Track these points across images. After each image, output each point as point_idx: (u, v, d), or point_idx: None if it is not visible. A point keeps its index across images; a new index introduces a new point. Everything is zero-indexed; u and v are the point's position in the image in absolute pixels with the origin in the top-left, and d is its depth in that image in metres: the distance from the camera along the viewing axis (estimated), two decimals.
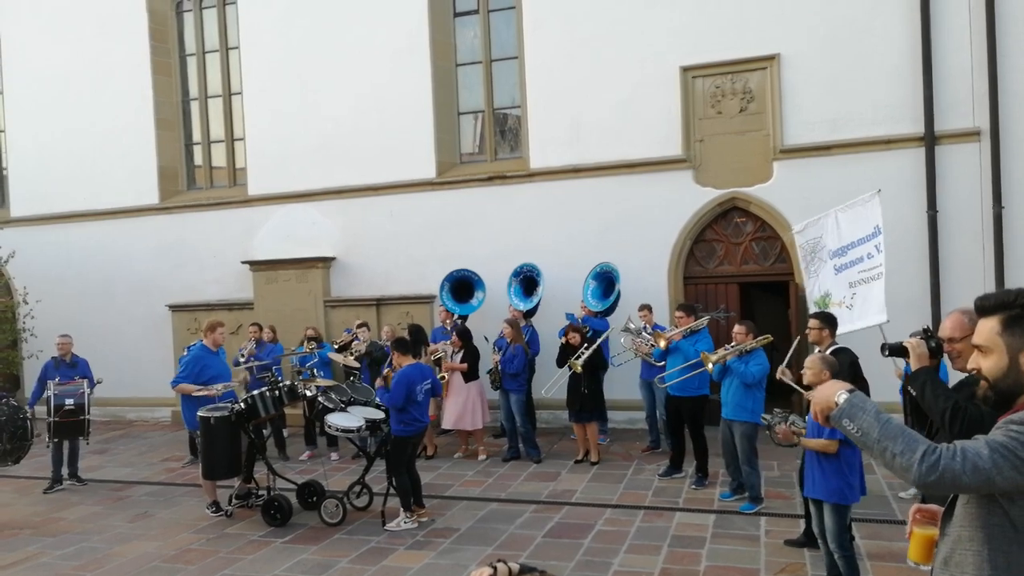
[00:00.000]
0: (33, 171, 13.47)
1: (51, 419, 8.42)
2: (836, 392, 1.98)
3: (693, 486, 7.50)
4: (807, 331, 6.02)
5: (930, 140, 9.06)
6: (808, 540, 5.68)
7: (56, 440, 8.57)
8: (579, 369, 8.32)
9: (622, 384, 9.76)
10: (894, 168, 9.18)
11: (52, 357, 9.15)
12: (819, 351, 5.74)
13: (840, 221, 7.12)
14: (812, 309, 7.56)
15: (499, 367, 8.86)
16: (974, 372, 2.03)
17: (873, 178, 9.00)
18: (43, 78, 13.28)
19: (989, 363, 1.96)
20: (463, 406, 9.07)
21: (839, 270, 7.27)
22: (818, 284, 7.78)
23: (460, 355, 9.18)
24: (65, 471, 8.84)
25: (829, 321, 5.98)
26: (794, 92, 9.61)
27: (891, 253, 7.09)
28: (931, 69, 9.03)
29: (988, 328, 1.97)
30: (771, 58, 9.65)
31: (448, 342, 9.43)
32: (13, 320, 13.20)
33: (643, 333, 8.74)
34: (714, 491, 7.34)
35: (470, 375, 9.14)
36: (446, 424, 9.23)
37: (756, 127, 9.83)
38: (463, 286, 10.58)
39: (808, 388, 4.74)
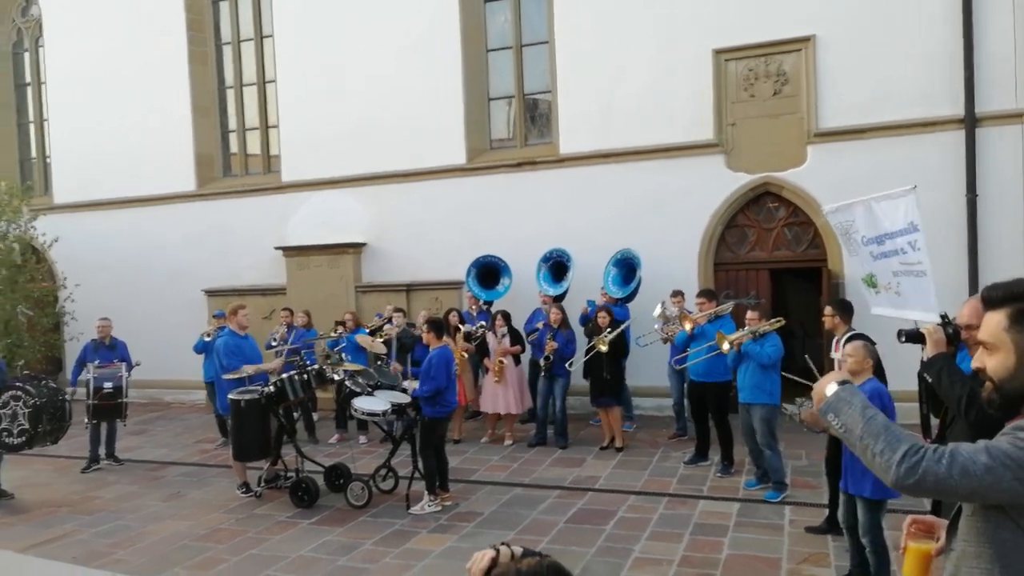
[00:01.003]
0: (75, 159, 13.81)
1: (90, 402, 8.65)
2: (828, 384, 1.86)
3: (718, 474, 7.44)
4: (822, 318, 5.97)
5: (970, 123, 8.78)
6: (831, 527, 5.61)
7: (94, 422, 8.81)
8: (605, 347, 8.27)
9: (649, 371, 9.70)
10: (932, 151, 8.93)
11: (92, 339, 9.39)
12: (836, 339, 5.68)
13: (874, 210, 6.93)
14: (862, 287, 7.40)
15: (552, 355, 8.78)
16: (979, 371, 1.82)
17: (910, 162, 8.82)
18: (84, 69, 13.58)
19: (995, 362, 1.74)
20: (514, 390, 9.11)
21: (876, 257, 7.09)
22: (860, 263, 7.57)
23: (508, 338, 9.19)
24: (103, 451, 9.10)
25: (843, 308, 5.95)
26: (829, 74, 9.38)
27: (929, 238, 6.86)
28: (972, 49, 8.74)
29: (995, 323, 1.75)
30: (806, 40, 9.44)
31: (480, 323, 9.47)
32: (54, 304, 13.59)
33: (676, 319, 8.65)
34: (739, 479, 7.27)
35: (516, 359, 9.19)
36: (496, 408, 9.21)
37: (790, 110, 9.63)
38: (489, 272, 10.60)
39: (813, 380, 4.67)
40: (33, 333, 13.20)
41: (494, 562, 1.62)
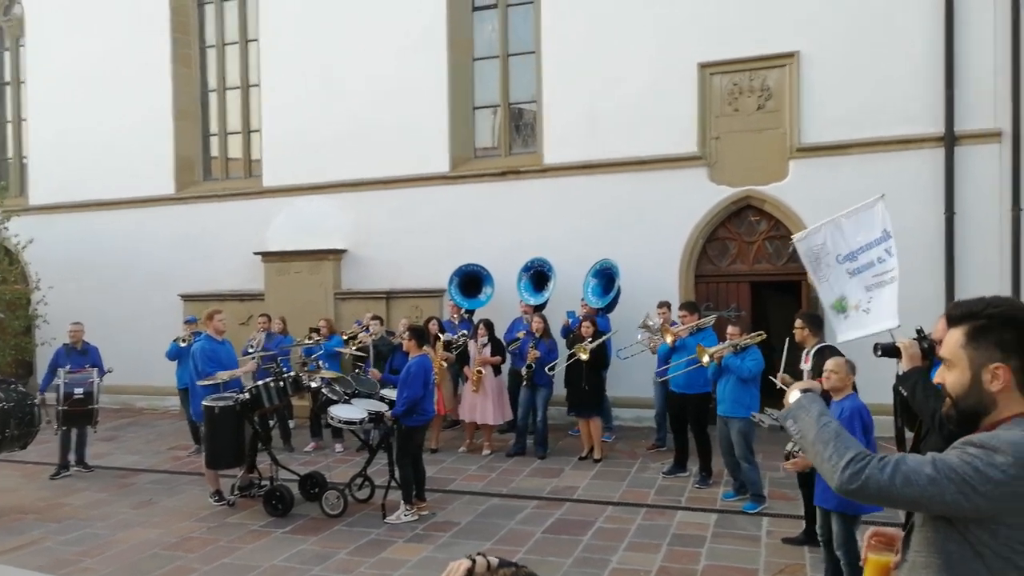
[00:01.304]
0: (53, 160, 13.61)
1: (60, 407, 8.48)
2: (792, 392, 1.93)
3: (696, 485, 7.42)
4: (792, 331, 6.06)
5: (950, 141, 8.89)
6: (808, 539, 5.61)
7: (64, 428, 8.63)
8: (585, 355, 8.23)
9: (629, 382, 9.70)
10: (912, 168, 9.03)
11: (64, 344, 9.22)
12: (805, 351, 5.76)
13: (844, 227, 6.98)
14: (829, 314, 7.46)
15: (534, 364, 8.73)
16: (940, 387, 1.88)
17: (891, 178, 8.88)
18: (65, 68, 13.41)
19: (952, 378, 1.80)
20: (493, 400, 9.04)
21: (853, 274, 7.13)
22: (831, 288, 7.62)
23: (489, 348, 9.13)
24: (72, 457, 8.91)
25: (812, 321, 6.09)
26: (812, 90, 9.47)
27: (906, 255, 6.94)
28: (953, 69, 8.86)
29: (953, 340, 1.80)
30: (790, 56, 9.52)
31: (461, 332, 9.41)
32: (27, 306, 13.34)
33: (659, 330, 8.64)
34: (717, 490, 7.25)
35: (496, 369, 9.13)
36: (474, 418, 9.13)
37: (773, 125, 9.71)
38: (472, 280, 10.55)
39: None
40: (4, 336, 12.94)
41: (470, 572, 1.57)
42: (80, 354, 9.05)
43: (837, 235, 7.15)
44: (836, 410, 4.83)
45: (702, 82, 9.91)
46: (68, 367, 8.76)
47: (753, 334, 6.96)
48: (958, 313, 1.81)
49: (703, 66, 9.87)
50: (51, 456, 8.95)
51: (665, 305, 8.87)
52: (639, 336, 8.58)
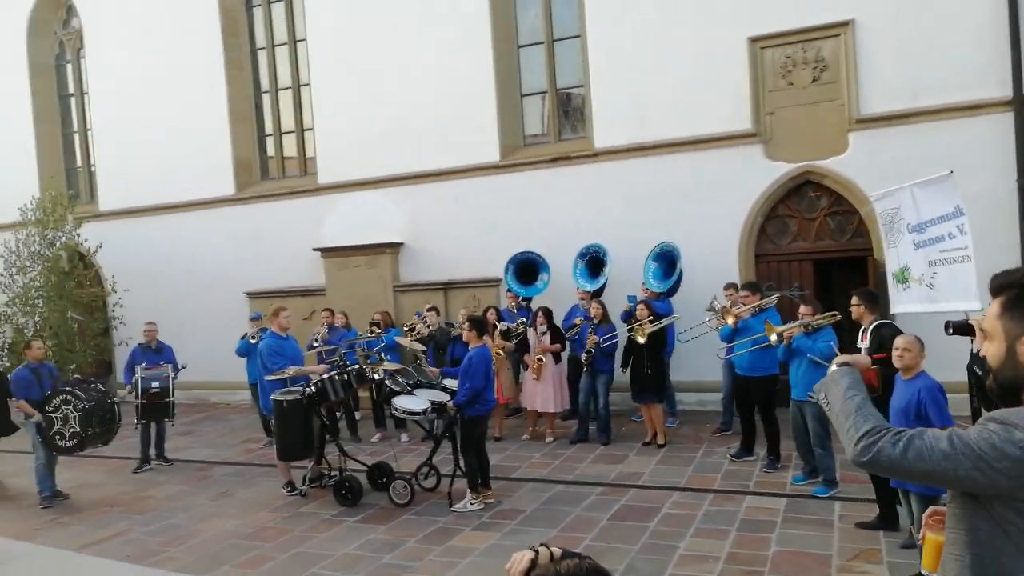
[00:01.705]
0: (118, 167, 14.12)
1: (138, 402, 8.86)
2: (831, 366, 1.96)
3: (765, 469, 7.32)
4: (849, 308, 5.94)
5: (1019, 104, 8.49)
6: (882, 523, 5.49)
7: (144, 422, 9.03)
8: (643, 337, 8.18)
9: (692, 366, 9.61)
10: (979, 135, 8.67)
11: (139, 344, 9.62)
12: (862, 328, 5.64)
13: (916, 196, 6.76)
14: (890, 281, 7.29)
15: (594, 350, 8.70)
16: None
17: (956, 146, 8.59)
18: (125, 78, 13.87)
19: (991, 351, 1.75)
20: (554, 388, 9.08)
21: (918, 246, 6.92)
22: (897, 256, 7.41)
23: (548, 336, 9.17)
24: (153, 452, 9.31)
25: (868, 298, 5.94)
26: (870, 59, 9.16)
27: (977, 225, 6.66)
28: (1019, 29, 8.45)
29: (991, 311, 1.76)
30: (844, 24, 9.22)
31: (520, 320, 9.47)
32: (103, 309, 13.93)
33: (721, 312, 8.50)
34: (787, 474, 7.14)
35: (556, 356, 9.16)
36: (536, 406, 9.18)
37: (830, 97, 9.43)
38: (527, 268, 10.57)
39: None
40: (84, 338, 13.55)
41: (533, 563, 1.61)
42: (155, 352, 9.43)
43: (909, 202, 6.96)
44: (911, 389, 4.71)
45: (753, 57, 9.68)
46: (144, 364, 9.15)
47: (827, 314, 6.62)
48: (996, 283, 1.77)
49: (753, 40, 9.64)
50: (133, 451, 9.36)
51: (732, 287, 8.72)
52: (707, 319, 8.42)
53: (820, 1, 9.30)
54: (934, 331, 5.52)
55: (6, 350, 13.08)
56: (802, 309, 6.74)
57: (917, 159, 8.57)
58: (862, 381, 1.90)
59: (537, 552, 1.65)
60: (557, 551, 1.68)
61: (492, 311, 9.62)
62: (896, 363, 4.83)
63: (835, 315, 6.60)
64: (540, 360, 9.00)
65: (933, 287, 6.72)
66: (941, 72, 8.84)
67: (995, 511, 1.63)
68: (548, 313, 9.27)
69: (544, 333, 9.16)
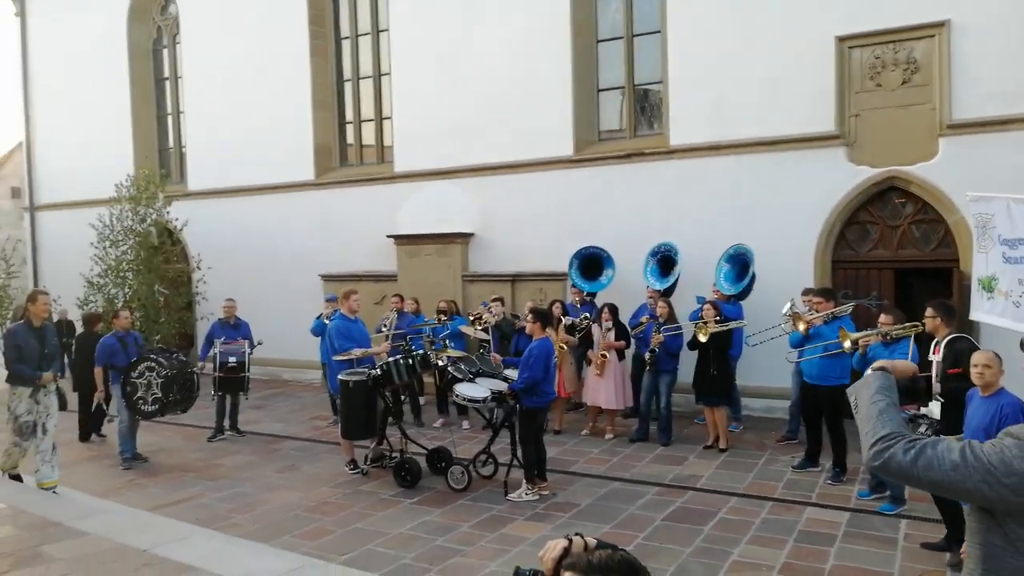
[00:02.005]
0: (207, 149, 14.75)
1: (216, 374, 9.27)
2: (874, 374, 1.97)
3: (829, 481, 7.12)
4: (923, 320, 5.69)
5: None
6: (949, 544, 5.27)
7: (220, 393, 9.43)
8: (704, 336, 8.07)
9: (760, 371, 9.41)
10: None
11: (218, 319, 10.05)
12: (935, 341, 5.41)
13: (1013, 211, 6.44)
14: (975, 285, 6.97)
15: (658, 349, 8.64)
16: None
17: None
18: (215, 63, 14.46)
19: None
20: (616, 385, 9.06)
21: (1009, 260, 6.59)
22: (986, 263, 7.07)
23: (613, 332, 9.15)
24: (227, 423, 9.72)
25: (945, 311, 5.68)
26: (965, 62, 8.73)
27: None
28: None
29: None
30: (940, 25, 8.81)
31: (584, 315, 9.44)
32: (188, 284, 14.59)
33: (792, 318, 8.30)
34: (852, 488, 6.92)
35: (620, 354, 9.13)
36: (598, 402, 9.17)
37: (920, 100, 9.04)
38: (592, 263, 10.53)
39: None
40: (168, 311, 14.23)
41: (567, 551, 1.63)
42: (233, 328, 9.83)
43: (1004, 214, 6.66)
44: (992, 406, 4.52)
45: (840, 56, 9.36)
46: (223, 339, 9.55)
47: (907, 324, 6.34)
48: None
49: (841, 39, 9.32)
50: (208, 421, 9.81)
51: (811, 292, 8.48)
52: (783, 325, 8.22)
53: (914, 0, 8.92)
54: (1008, 347, 5.28)
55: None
56: (882, 318, 6.50)
57: (1013, 167, 8.17)
58: (893, 387, 1.89)
59: (571, 541, 1.68)
60: (592, 541, 1.70)
61: (558, 305, 9.64)
62: (975, 380, 4.64)
63: (916, 326, 6.30)
64: (604, 356, 8.97)
65: (1020, 306, 6.41)
66: None
67: (1008, 527, 1.61)
68: (614, 309, 9.22)
69: (609, 329, 9.12)
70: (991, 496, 1.60)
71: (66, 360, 10.98)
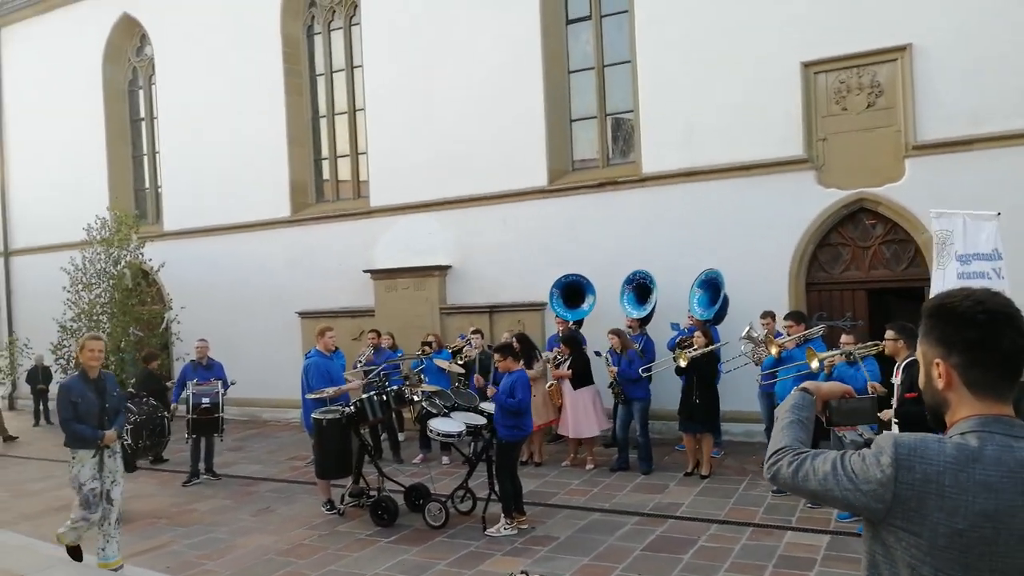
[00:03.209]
0: (183, 188, 14.71)
1: (189, 416, 9.12)
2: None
3: (808, 504, 7.05)
4: (883, 342, 5.69)
5: None
6: None
7: (194, 436, 9.26)
8: (684, 361, 8.07)
9: (738, 396, 9.38)
10: None
11: (190, 360, 9.91)
12: (897, 364, 5.42)
13: (968, 227, 6.54)
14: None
15: (617, 379, 8.70)
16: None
17: (1019, 174, 8.26)
18: (192, 103, 14.48)
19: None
20: (575, 414, 9.01)
21: (961, 276, 6.68)
22: (943, 279, 7.14)
23: (567, 362, 9.12)
24: (202, 466, 9.54)
25: (907, 332, 5.65)
26: (928, 84, 8.90)
27: None
28: None
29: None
30: (902, 49, 8.99)
31: (556, 349, 9.41)
32: (163, 325, 14.42)
33: (763, 342, 8.37)
34: (831, 511, 6.86)
35: (578, 382, 9.07)
36: (565, 432, 9.14)
37: (885, 123, 9.18)
38: (573, 291, 10.52)
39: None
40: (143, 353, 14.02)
41: None
42: (205, 368, 9.71)
43: (960, 230, 6.75)
44: None
45: (806, 82, 9.51)
46: (195, 380, 9.42)
47: (869, 344, 6.57)
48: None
49: (807, 65, 9.48)
50: (184, 465, 9.62)
51: (769, 315, 8.57)
52: (742, 348, 8.31)
53: (876, 25, 9.10)
54: None
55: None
56: (843, 338, 6.63)
57: (978, 187, 8.29)
58: (808, 406, 1.89)
59: None
60: None
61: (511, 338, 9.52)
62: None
63: (877, 344, 6.42)
64: (551, 385, 8.97)
65: None
66: (1003, 98, 8.53)
67: (882, 535, 1.62)
68: (570, 340, 9.16)
69: (563, 360, 9.08)
70: (856, 504, 1.62)
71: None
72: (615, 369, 8.66)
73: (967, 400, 1.62)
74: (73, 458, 5.99)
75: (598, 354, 9.19)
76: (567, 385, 9.05)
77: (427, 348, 9.83)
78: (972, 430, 1.58)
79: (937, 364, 1.64)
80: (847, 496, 1.62)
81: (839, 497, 1.64)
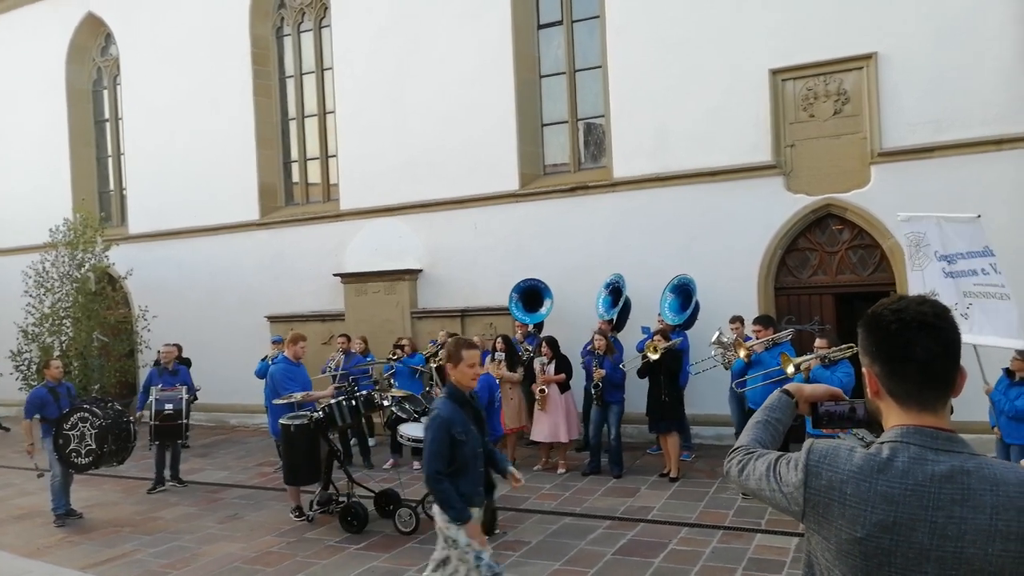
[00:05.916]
0: (148, 191, 14.43)
1: (152, 423, 8.94)
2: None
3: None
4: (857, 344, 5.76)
5: None
6: None
7: (157, 443, 9.08)
8: (655, 354, 8.11)
9: (708, 399, 9.47)
10: (1006, 170, 8.50)
11: (155, 364, 9.73)
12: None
13: (944, 229, 6.64)
14: None
15: (601, 382, 8.67)
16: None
17: (982, 181, 8.45)
18: (157, 105, 14.23)
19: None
20: (559, 418, 8.99)
21: (948, 275, 6.76)
22: (923, 280, 7.22)
23: (552, 366, 9.10)
24: (168, 473, 9.36)
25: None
26: (893, 92, 9.05)
27: (1001, 260, 6.54)
28: None
29: None
30: (867, 57, 9.14)
31: (525, 348, 9.40)
32: (130, 331, 14.14)
33: (732, 346, 8.44)
34: None
35: (564, 386, 9.07)
36: (541, 437, 9.09)
37: (852, 130, 9.33)
38: (532, 295, 10.52)
39: None
40: (109, 359, 13.75)
41: None
42: (171, 374, 9.53)
43: (936, 232, 6.85)
44: None
45: (774, 89, 9.63)
46: (160, 386, 9.24)
47: (844, 347, 6.61)
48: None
49: (775, 72, 9.60)
50: (150, 472, 9.42)
51: (738, 320, 8.65)
52: (712, 352, 8.37)
53: (843, 34, 9.24)
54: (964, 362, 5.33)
55: (34, 369, 13.29)
56: (817, 342, 6.67)
57: (942, 193, 8.44)
58: (784, 407, 1.88)
59: None
60: None
61: (499, 340, 9.50)
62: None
63: (851, 347, 6.47)
64: (543, 391, 8.93)
65: (968, 318, 6.54)
66: (966, 107, 8.70)
67: (808, 536, 1.66)
68: (552, 342, 9.18)
69: (548, 363, 9.08)
70: (781, 506, 1.65)
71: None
72: (603, 372, 8.63)
73: (893, 409, 1.60)
74: None
75: (646, 330, 9.13)
76: (553, 390, 8.99)
77: (399, 351, 9.76)
78: (889, 440, 1.56)
79: (867, 373, 1.64)
80: (774, 497, 1.66)
81: (769, 498, 1.68)
